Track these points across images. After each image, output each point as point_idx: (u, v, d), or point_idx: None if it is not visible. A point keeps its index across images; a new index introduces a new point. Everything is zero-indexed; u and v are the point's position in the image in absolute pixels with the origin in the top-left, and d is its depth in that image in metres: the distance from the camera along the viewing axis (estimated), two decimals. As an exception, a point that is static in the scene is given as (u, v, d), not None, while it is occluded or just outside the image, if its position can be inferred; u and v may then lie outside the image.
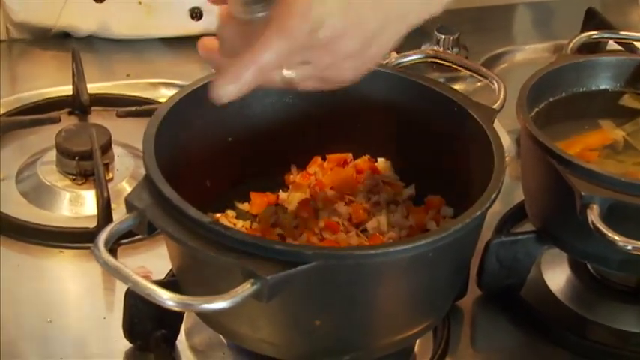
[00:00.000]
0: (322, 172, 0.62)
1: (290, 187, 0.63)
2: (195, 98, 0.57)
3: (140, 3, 0.88)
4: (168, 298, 0.43)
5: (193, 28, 0.90)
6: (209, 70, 0.83)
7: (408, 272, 0.47)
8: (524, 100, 0.60)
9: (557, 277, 0.66)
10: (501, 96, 0.60)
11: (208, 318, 0.52)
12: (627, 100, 0.67)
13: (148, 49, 0.91)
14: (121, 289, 0.59)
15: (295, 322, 0.48)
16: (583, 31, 0.89)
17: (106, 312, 0.61)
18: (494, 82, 0.61)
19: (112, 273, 0.45)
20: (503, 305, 0.63)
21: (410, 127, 0.61)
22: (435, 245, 0.46)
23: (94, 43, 0.91)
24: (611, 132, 0.65)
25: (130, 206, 0.47)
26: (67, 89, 0.81)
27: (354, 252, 0.47)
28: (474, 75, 0.65)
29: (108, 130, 0.72)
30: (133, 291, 0.54)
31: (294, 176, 0.63)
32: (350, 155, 0.63)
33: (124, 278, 0.44)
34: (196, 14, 0.90)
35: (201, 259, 0.47)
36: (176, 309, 0.44)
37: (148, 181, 0.48)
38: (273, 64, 0.43)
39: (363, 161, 0.63)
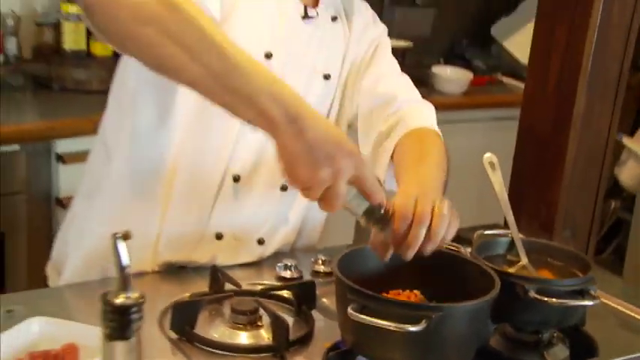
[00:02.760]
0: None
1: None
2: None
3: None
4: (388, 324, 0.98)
5: None
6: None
7: (478, 317, 1.05)
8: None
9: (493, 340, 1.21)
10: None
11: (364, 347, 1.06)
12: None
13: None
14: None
15: (424, 345, 1.03)
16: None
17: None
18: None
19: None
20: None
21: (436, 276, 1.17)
22: (488, 302, 1.05)
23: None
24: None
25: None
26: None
27: (456, 306, 1.04)
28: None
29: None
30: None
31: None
32: (400, 290, 1.16)
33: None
34: None
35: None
36: (392, 329, 0.98)
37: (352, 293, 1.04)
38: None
39: (407, 293, 1.16)
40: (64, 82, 2.70)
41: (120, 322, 0.66)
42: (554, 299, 1.13)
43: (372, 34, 1.48)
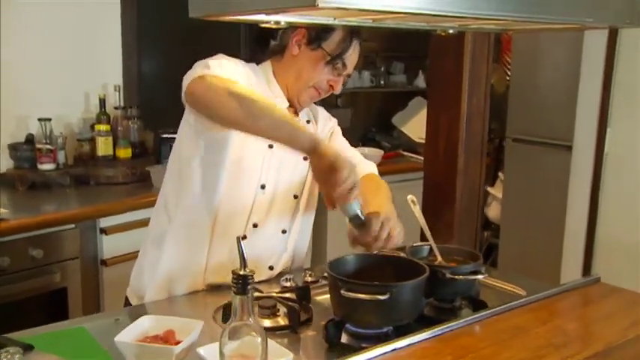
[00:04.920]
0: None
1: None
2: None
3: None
4: (366, 297, 1.25)
5: None
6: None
7: (417, 290, 1.33)
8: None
9: (426, 310, 1.50)
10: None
11: (351, 315, 1.32)
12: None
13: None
14: None
15: (388, 309, 1.30)
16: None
17: None
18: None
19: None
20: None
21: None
22: (423, 280, 1.33)
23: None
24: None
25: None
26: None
27: (405, 283, 1.31)
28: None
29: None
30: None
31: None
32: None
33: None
34: None
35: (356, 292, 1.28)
36: (368, 299, 1.25)
37: (342, 282, 1.30)
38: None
39: (371, 285, 1.48)
40: (98, 178, 2.92)
41: (241, 284, 0.90)
42: (461, 276, 1.42)
43: (330, 125, 1.78)
